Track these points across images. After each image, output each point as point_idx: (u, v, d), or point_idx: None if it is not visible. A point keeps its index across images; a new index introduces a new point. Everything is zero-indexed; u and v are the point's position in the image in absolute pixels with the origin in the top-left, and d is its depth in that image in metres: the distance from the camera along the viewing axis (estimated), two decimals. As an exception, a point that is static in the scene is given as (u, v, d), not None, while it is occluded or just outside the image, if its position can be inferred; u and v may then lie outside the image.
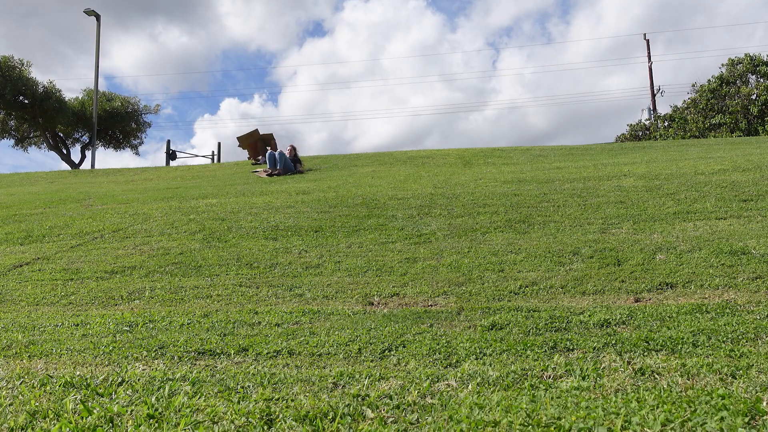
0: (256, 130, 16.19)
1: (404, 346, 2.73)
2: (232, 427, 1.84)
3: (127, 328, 3.28)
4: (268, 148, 14.87)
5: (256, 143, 16.03)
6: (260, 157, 15.56)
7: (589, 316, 3.07)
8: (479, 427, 1.75)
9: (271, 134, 16.13)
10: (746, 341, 2.54)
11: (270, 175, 12.77)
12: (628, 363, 2.30)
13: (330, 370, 2.43)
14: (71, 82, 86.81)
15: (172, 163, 27.14)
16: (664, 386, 2.00)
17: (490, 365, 2.39)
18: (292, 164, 13.17)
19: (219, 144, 39.61)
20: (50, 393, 2.21)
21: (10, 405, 2.07)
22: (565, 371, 2.25)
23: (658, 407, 1.79)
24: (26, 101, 27.87)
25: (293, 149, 13.57)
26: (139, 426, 1.85)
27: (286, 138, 22.88)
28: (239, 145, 16.22)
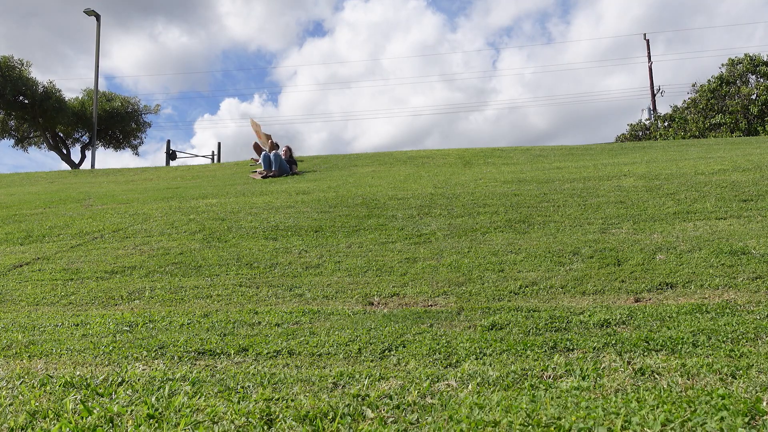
0: (260, 127, 16.25)
1: (404, 346, 2.73)
2: (232, 427, 1.84)
3: (127, 328, 3.28)
4: (265, 149, 14.73)
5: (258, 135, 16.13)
6: (259, 160, 15.53)
7: (589, 316, 3.07)
8: (479, 427, 1.75)
9: (269, 135, 16.12)
10: (746, 341, 2.54)
11: (265, 176, 12.61)
12: (628, 363, 2.30)
13: (330, 370, 2.43)
14: (71, 82, 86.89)
15: (172, 163, 27.14)
16: (664, 386, 2.00)
17: (490, 365, 2.39)
18: (287, 166, 13.05)
19: (219, 144, 39.68)
20: (50, 393, 2.21)
21: (10, 405, 2.07)
22: (565, 371, 2.25)
23: (658, 407, 1.79)
24: (26, 101, 27.89)
25: (289, 150, 13.45)
26: (139, 426, 1.85)
27: (285, 138, 22.96)
28: (251, 126, 16.39)
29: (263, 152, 13.34)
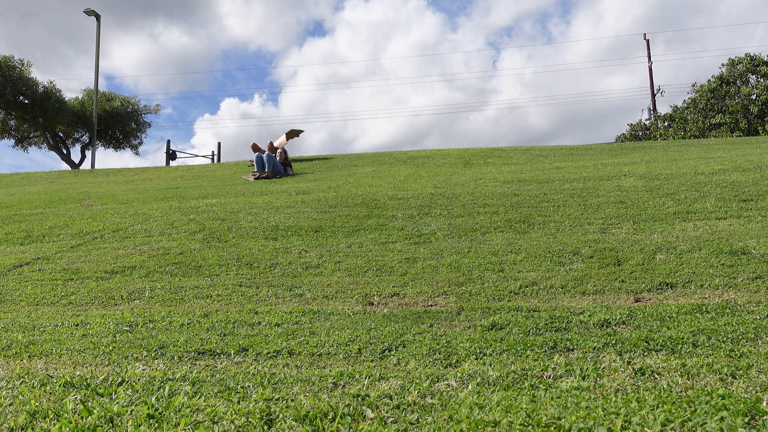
0: (294, 135, 16.11)
1: (404, 346, 2.73)
2: (232, 427, 1.84)
3: (127, 328, 3.28)
4: (262, 150, 14.46)
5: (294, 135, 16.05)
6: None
7: (589, 316, 3.07)
8: (479, 427, 1.75)
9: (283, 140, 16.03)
10: (746, 341, 2.54)
11: (258, 178, 12.43)
12: (628, 363, 2.30)
13: (330, 370, 2.43)
14: (71, 82, 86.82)
15: (172, 163, 27.13)
16: (664, 386, 2.00)
17: (490, 365, 2.39)
18: (281, 167, 12.89)
19: (219, 144, 39.62)
20: (50, 393, 2.21)
21: (10, 405, 2.07)
22: (565, 371, 2.25)
23: (658, 407, 1.79)
24: (26, 101, 27.89)
25: (284, 152, 13.37)
26: (139, 426, 1.85)
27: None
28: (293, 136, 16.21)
29: (257, 153, 13.21)
